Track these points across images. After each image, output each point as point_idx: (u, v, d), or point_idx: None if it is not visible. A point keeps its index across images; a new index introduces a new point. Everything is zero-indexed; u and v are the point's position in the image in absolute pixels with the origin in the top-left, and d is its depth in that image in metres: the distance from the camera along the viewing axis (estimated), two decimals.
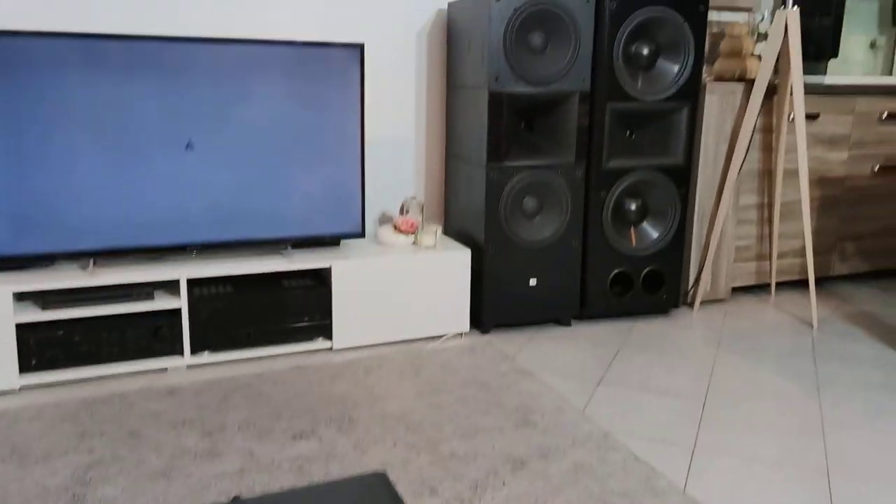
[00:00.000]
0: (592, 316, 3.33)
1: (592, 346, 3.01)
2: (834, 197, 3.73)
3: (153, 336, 2.67)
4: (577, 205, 3.11)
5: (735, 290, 3.79)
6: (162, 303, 2.66)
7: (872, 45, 3.79)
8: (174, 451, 2.15)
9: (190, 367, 2.75)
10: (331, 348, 2.93)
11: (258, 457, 2.12)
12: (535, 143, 3.08)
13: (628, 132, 3.20)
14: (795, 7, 3.14)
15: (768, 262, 3.66)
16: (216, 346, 2.77)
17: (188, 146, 2.66)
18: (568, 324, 3.25)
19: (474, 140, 3.03)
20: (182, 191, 2.71)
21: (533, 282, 3.13)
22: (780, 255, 3.68)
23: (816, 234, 3.74)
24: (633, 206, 3.22)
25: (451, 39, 3.25)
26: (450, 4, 3.24)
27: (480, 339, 3.06)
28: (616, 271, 3.24)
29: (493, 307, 3.10)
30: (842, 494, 2.00)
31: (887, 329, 3.26)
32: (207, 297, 2.73)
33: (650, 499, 1.94)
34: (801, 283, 3.92)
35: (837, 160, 3.67)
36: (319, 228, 2.94)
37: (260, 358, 2.85)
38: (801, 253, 3.72)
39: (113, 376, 2.65)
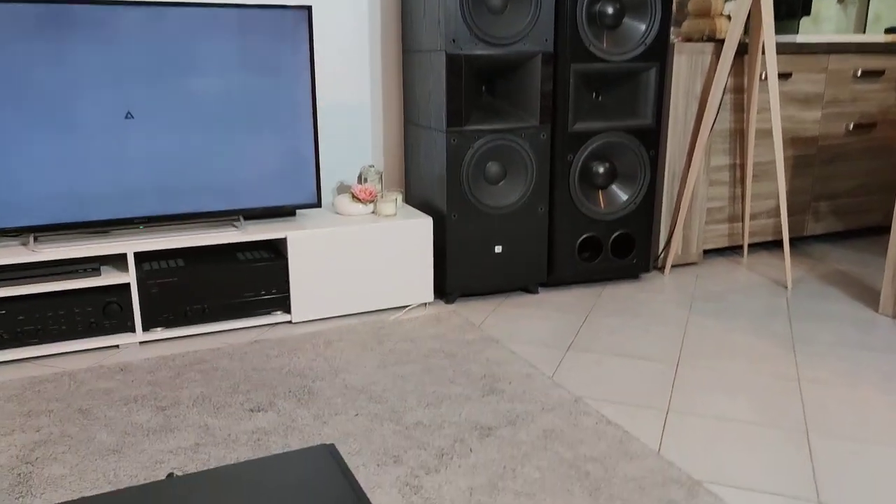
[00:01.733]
0: (560, 283, 3.25)
1: (561, 313, 2.92)
2: (807, 156, 3.67)
3: (102, 313, 2.54)
4: (542, 169, 3.02)
5: (707, 252, 3.73)
6: (109, 278, 2.53)
7: (841, 1, 3.73)
8: (126, 427, 2.03)
9: (143, 343, 2.62)
10: (290, 322, 2.81)
11: (214, 431, 2.01)
12: (497, 107, 2.97)
13: (594, 94, 3.11)
14: None
15: (741, 224, 3.60)
16: (169, 322, 2.64)
17: (128, 115, 2.52)
18: (535, 291, 3.16)
19: (433, 105, 2.92)
20: (125, 162, 2.58)
21: (498, 249, 3.03)
22: (753, 217, 3.61)
23: (790, 194, 3.68)
24: (601, 170, 3.13)
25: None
26: None
27: (445, 309, 2.96)
28: (584, 236, 3.15)
29: (457, 276, 3.00)
30: (822, 453, 1.93)
31: (862, 288, 3.21)
32: (158, 272, 2.60)
33: (624, 462, 1.86)
34: (774, 244, 3.87)
35: (811, 119, 3.61)
36: (273, 199, 2.82)
37: (216, 333, 2.73)
38: (774, 214, 3.66)
39: (61, 355, 2.52)
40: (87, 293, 2.54)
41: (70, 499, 1.71)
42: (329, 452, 1.12)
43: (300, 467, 1.08)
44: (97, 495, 1.00)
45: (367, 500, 0.99)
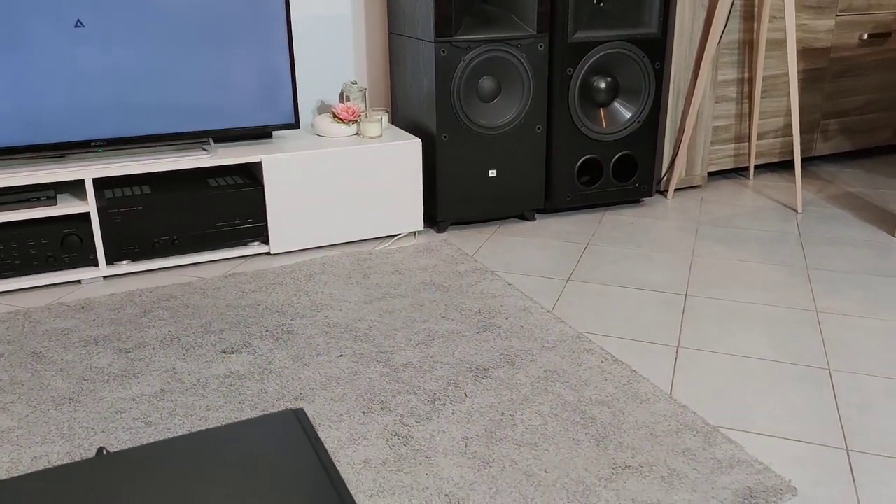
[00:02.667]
0: (559, 209, 3.04)
1: (559, 241, 2.73)
2: (818, 70, 3.43)
3: (60, 245, 2.32)
4: (539, 84, 2.77)
5: (711, 174, 3.52)
6: (67, 207, 2.31)
7: None
8: (84, 372, 1.85)
9: (106, 278, 2.42)
10: (268, 253, 2.61)
11: (182, 375, 1.83)
12: (491, 15, 2.71)
13: (596, 0, 2.84)
14: None
15: (747, 144, 3.38)
16: (136, 256, 2.43)
17: (78, 24, 2.25)
18: (532, 218, 2.96)
19: (420, 12, 2.66)
20: (78, 78, 2.32)
21: (492, 173, 2.81)
22: (760, 136, 3.40)
23: (799, 111, 3.46)
24: (603, 85, 2.89)
25: None
26: None
27: (436, 238, 2.76)
28: (584, 158, 2.93)
29: (448, 203, 2.79)
30: (846, 392, 1.77)
31: (875, 210, 3.03)
32: (121, 200, 2.38)
33: (633, 405, 1.70)
34: (780, 166, 3.67)
35: (823, 28, 3.36)
36: (246, 119, 2.57)
37: (187, 266, 2.52)
38: (782, 133, 3.44)
39: (16, 292, 2.32)
40: (43, 224, 2.32)
41: (17, 454, 1.53)
42: (296, 417, 0.94)
43: (260, 436, 0.89)
44: (9, 479, 0.80)
45: (339, 476, 0.81)
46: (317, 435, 0.87)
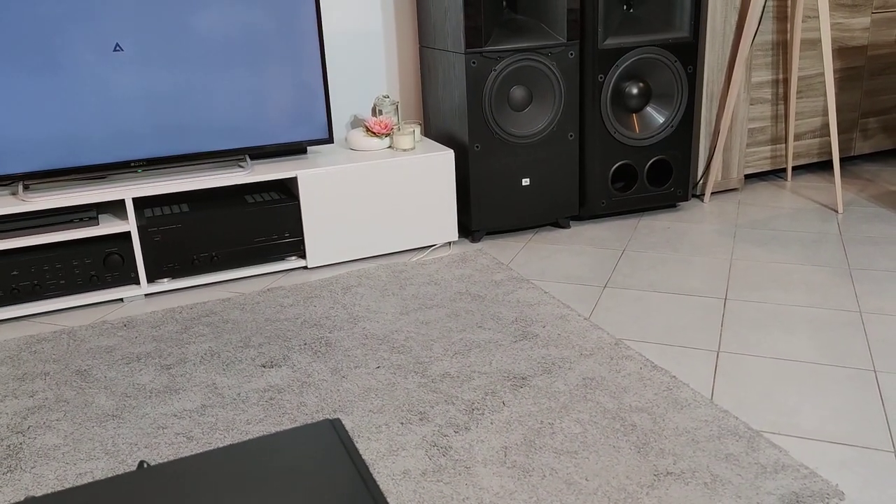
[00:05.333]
0: (594, 215, 3.03)
1: (595, 248, 2.72)
2: (855, 69, 3.38)
3: (102, 265, 2.37)
4: (571, 92, 2.77)
5: (748, 177, 3.48)
6: (108, 227, 2.36)
7: None
8: (127, 389, 1.88)
9: (148, 296, 2.46)
10: (305, 267, 2.63)
11: (222, 390, 1.85)
12: (521, 24, 2.72)
13: (625, 6, 2.83)
14: None
15: (784, 145, 3.34)
16: (176, 273, 2.47)
17: (116, 48, 2.30)
18: (567, 226, 2.95)
19: (450, 24, 2.67)
20: (117, 100, 2.37)
21: (526, 182, 2.81)
22: (797, 137, 3.35)
23: (836, 110, 3.40)
24: (635, 90, 2.87)
25: None
26: None
27: (471, 248, 2.76)
28: (618, 164, 2.92)
29: (482, 212, 2.79)
30: (892, 390, 1.73)
31: None
32: (161, 219, 2.42)
33: (674, 412, 1.68)
34: (819, 166, 3.61)
35: (859, 26, 3.30)
36: (280, 136, 2.61)
37: (226, 282, 2.56)
38: (819, 133, 3.39)
39: (61, 311, 2.37)
40: (86, 244, 2.37)
41: (62, 471, 1.56)
42: (333, 427, 0.94)
43: (296, 448, 0.90)
44: (47, 495, 0.82)
45: (377, 486, 0.81)
46: (354, 445, 0.88)
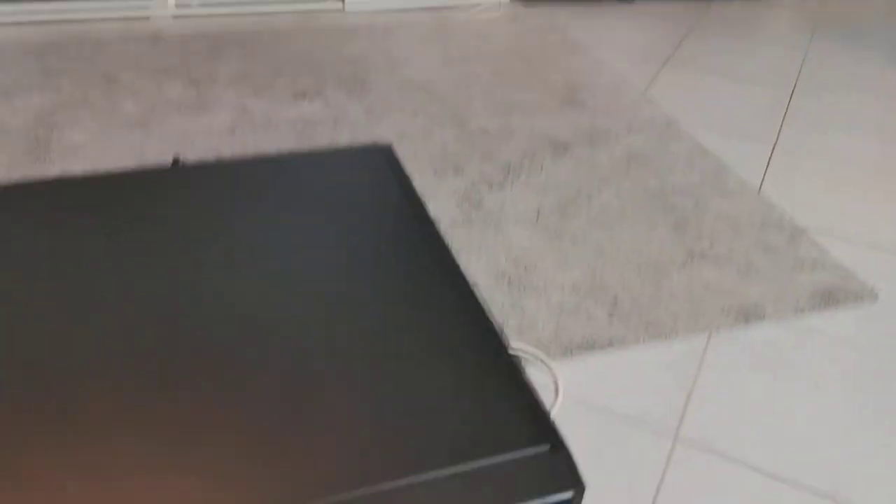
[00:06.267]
0: None
1: (661, 23, 2.51)
2: None
3: None
4: None
5: None
6: None
7: None
8: (154, 100, 1.81)
9: (176, 17, 2.32)
10: (342, 9, 2.45)
11: (253, 114, 1.78)
12: None
13: None
14: None
15: None
16: None
17: None
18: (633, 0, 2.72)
19: None
20: None
21: None
22: None
23: None
24: None
25: None
26: None
27: (525, 10, 2.56)
28: None
29: None
30: None
31: None
32: None
33: (717, 198, 1.60)
34: None
35: None
36: None
37: (258, 14, 2.39)
38: None
39: (84, 22, 2.24)
40: None
41: (90, 169, 1.52)
42: (384, 154, 0.86)
43: (348, 167, 0.83)
44: (87, 175, 0.76)
45: (426, 211, 0.75)
46: (405, 173, 0.80)
